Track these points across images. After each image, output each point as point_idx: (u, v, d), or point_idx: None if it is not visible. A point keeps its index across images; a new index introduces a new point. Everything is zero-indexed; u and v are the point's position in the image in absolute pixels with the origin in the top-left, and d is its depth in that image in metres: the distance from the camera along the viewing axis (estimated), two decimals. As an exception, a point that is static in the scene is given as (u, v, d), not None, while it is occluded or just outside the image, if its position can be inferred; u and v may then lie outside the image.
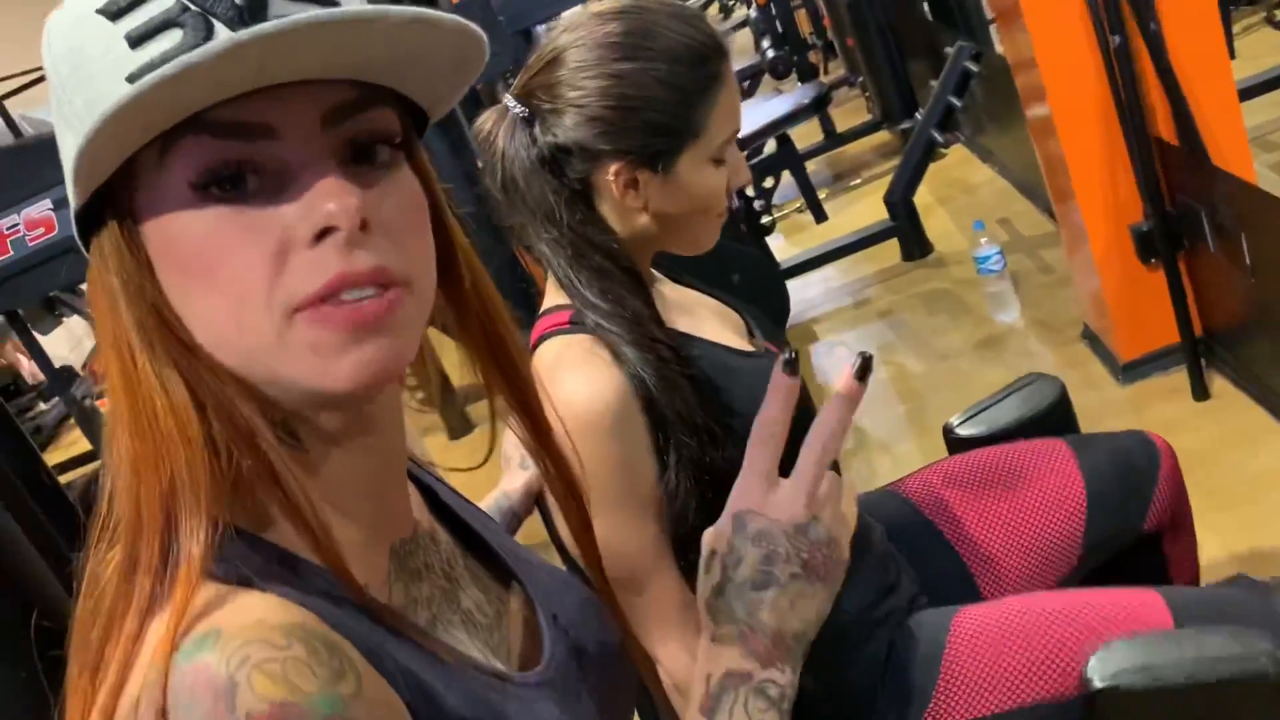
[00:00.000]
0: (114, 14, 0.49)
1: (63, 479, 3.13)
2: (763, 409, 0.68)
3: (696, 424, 0.98)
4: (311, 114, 0.51)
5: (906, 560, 1.24)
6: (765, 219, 3.82)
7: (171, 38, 0.48)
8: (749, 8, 6.53)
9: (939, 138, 3.61)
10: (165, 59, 0.48)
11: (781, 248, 4.34)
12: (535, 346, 1.05)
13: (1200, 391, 2.43)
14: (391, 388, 0.61)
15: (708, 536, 0.67)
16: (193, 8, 0.49)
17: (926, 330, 3.35)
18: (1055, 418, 1.48)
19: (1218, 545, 2.01)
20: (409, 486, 0.68)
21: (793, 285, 3.95)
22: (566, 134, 1.02)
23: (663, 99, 1.01)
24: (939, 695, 1.07)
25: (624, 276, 1.03)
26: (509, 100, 1.06)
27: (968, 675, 1.06)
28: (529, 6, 2.11)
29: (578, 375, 0.98)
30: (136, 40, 0.49)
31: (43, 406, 6.18)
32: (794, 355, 0.68)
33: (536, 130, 1.03)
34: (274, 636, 0.47)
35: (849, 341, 3.53)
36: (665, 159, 1.02)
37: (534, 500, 1.10)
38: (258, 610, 0.49)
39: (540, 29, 2.35)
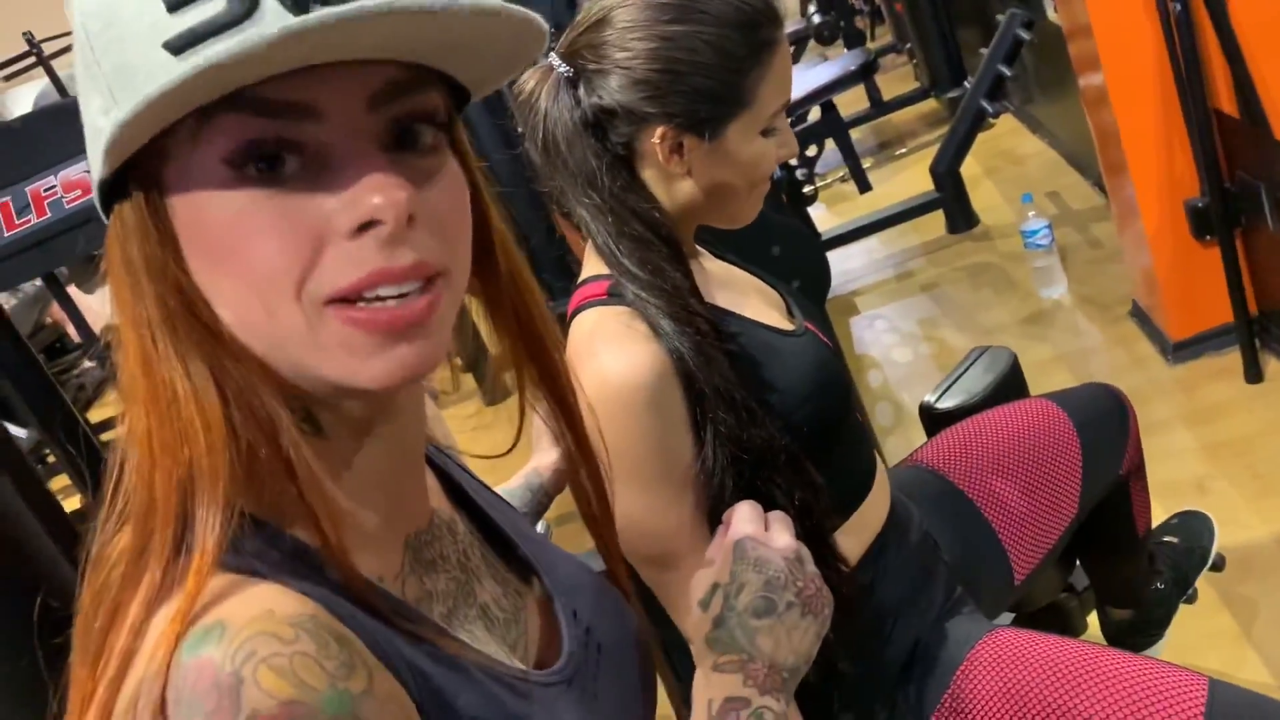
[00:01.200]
0: None
1: (104, 436, 3.18)
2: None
3: (734, 399, 0.96)
4: (358, 95, 0.49)
5: (941, 530, 1.22)
6: (807, 188, 3.75)
7: (214, 6, 0.45)
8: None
9: (988, 107, 3.52)
10: (209, 29, 0.45)
11: (824, 218, 4.28)
12: (572, 316, 1.03)
13: (1254, 374, 2.36)
14: (418, 389, 0.60)
15: (703, 576, 0.70)
16: None
17: (971, 305, 3.29)
18: (1014, 382, 1.59)
19: (1266, 532, 1.96)
20: (428, 474, 0.66)
21: (834, 256, 3.89)
22: (612, 96, 0.98)
23: (712, 64, 0.98)
24: (943, 708, 1.05)
25: (664, 247, 1.00)
26: (554, 59, 1.03)
27: (975, 697, 1.04)
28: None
29: (615, 349, 0.96)
30: (176, 4, 0.45)
31: (88, 364, 6.27)
32: None
33: (581, 91, 1.00)
34: (281, 629, 0.46)
35: (889, 315, 3.47)
36: (712, 126, 0.99)
37: (565, 480, 1.08)
38: (266, 601, 0.47)
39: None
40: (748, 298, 1.10)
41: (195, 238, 0.49)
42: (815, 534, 0.96)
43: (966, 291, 3.38)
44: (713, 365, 0.96)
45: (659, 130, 0.99)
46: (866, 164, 4.51)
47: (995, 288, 3.31)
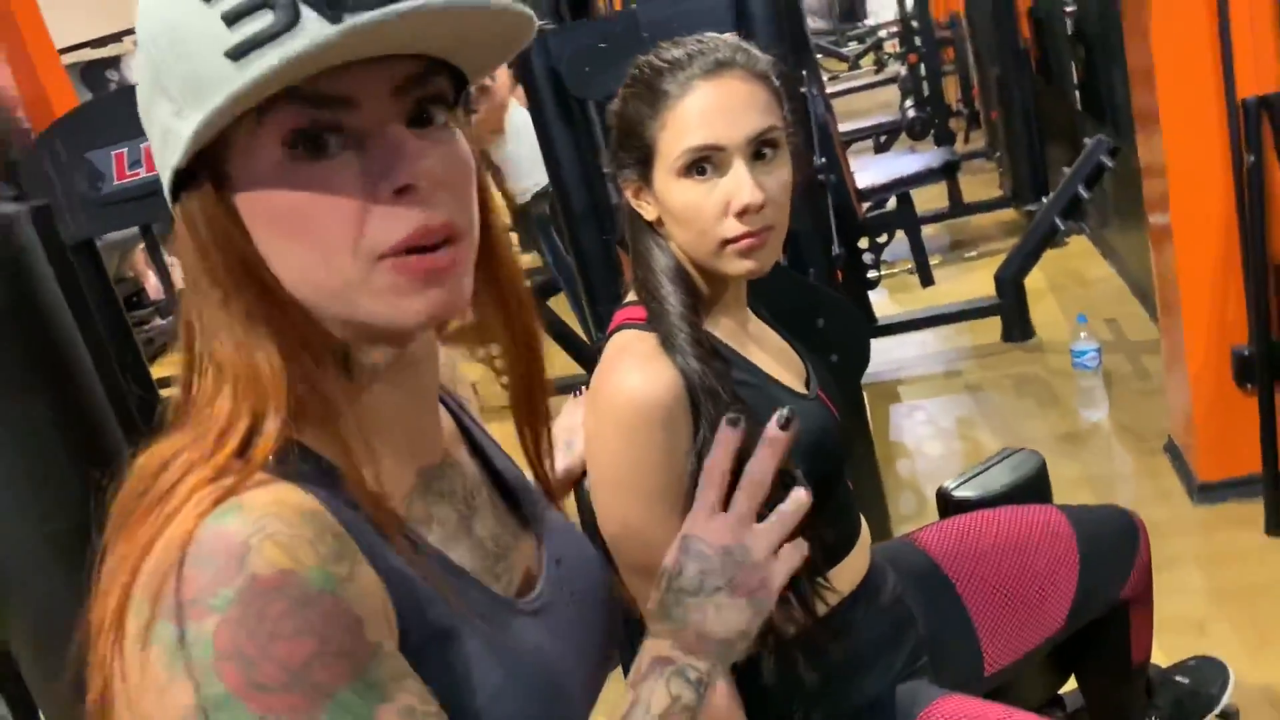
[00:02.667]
0: None
1: (164, 393, 3.33)
2: (711, 455, 0.79)
3: (720, 396, 1.04)
4: (385, 86, 0.59)
5: (918, 604, 1.28)
6: (871, 273, 3.83)
7: (264, 18, 0.55)
8: (903, 65, 6.54)
9: (1061, 225, 3.58)
10: (264, 37, 0.54)
11: (883, 304, 4.34)
12: (611, 333, 1.13)
13: (1275, 525, 2.38)
14: (431, 341, 0.70)
15: (663, 561, 0.78)
16: None
17: (1011, 413, 3.33)
18: (1038, 488, 1.61)
19: (1258, 682, 1.97)
20: (447, 423, 0.76)
21: (886, 343, 3.97)
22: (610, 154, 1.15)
23: (625, 117, 1.11)
24: None
25: (672, 282, 1.11)
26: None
27: None
28: (671, 28, 2.18)
29: (640, 368, 1.05)
30: (232, 19, 0.55)
31: (159, 322, 6.52)
32: (786, 418, 0.79)
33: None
34: (289, 515, 0.55)
35: (930, 408, 3.52)
36: (640, 170, 1.12)
37: (572, 483, 1.17)
38: (280, 494, 0.57)
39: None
40: (770, 355, 1.19)
41: (258, 211, 0.60)
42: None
43: (1009, 399, 3.42)
44: (707, 366, 1.05)
45: (621, 179, 1.14)
46: (935, 260, 4.57)
47: (1038, 400, 3.35)
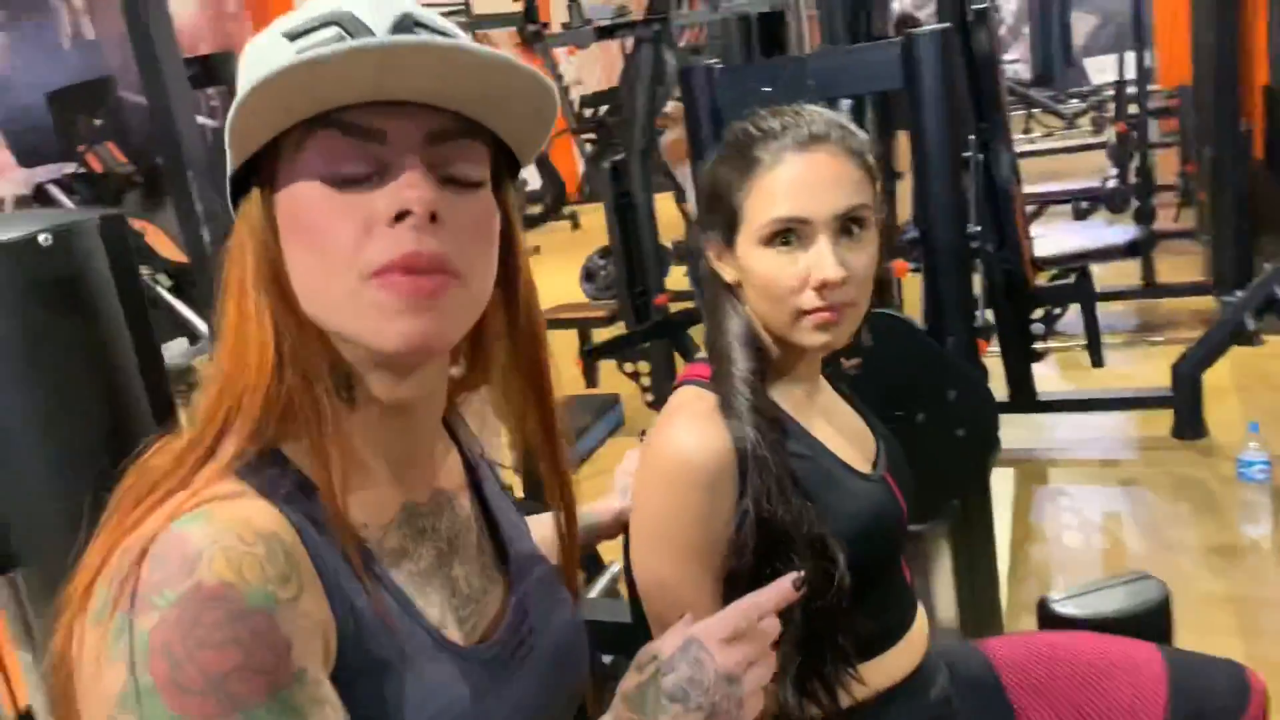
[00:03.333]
0: (292, 36, 0.65)
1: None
2: (762, 594, 0.80)
3: (770, 469, 1.04)
4: (417, 131, 0.65)
5: (968, 709, 1.22)
6: (1038, 344, 3.67)
7: (322, 44, 0.63)
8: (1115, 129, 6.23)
9: (1250, 323, 3.34)
10: (320, 41, 0.64)
11: (1048, 378, 4.15)
12: (678, 386, 1.14)
13: None
14: (435, 386, 0.73)
15: (653, 646, 0.77)
16: (347, 38, 0.64)
17: (1163, 515, 3.13)
18: (1153, 622, 1.45)
19: None
20: (454, 464, 0.80)
21: (1045, 419, 3.79)
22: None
23: (715, 181, 1.12)
24: None
25: (739, 344, 1.11)
26: None
27: None
28: (839, 80, 2.18)
29: (693, 427, 1.06)
30: (293, 38, 0.65)
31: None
32: (801, 580, 0.83)
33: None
34: (246, 534, 0.60)
35: (1076, 496, 3.34)
36: (723, 233, 1.13)
37: (620, 527, 1.18)
38: (249, 511, 0.61)
39: (845, 104, 2.41)
40: (836, 431, 1.17)
41: (288, 221, 0.66)
42: (822, 621, 1.03)
43: (1165, 500, 3.21)
44: (763, 437, 1.05)
45: (704, 243, 1.15)
46: (1116, 340, 4.35)
47: (1196, 506, 3.13)
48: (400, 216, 0.63)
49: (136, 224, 5.43)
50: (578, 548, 0.88)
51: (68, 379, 0.85)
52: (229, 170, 0.68)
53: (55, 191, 5.45)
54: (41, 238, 0.82)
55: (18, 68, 6.02)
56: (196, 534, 0.59)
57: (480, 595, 0.78)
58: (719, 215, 1.12)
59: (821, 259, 1.06)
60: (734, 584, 1.04)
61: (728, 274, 1.14)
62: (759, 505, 1.03)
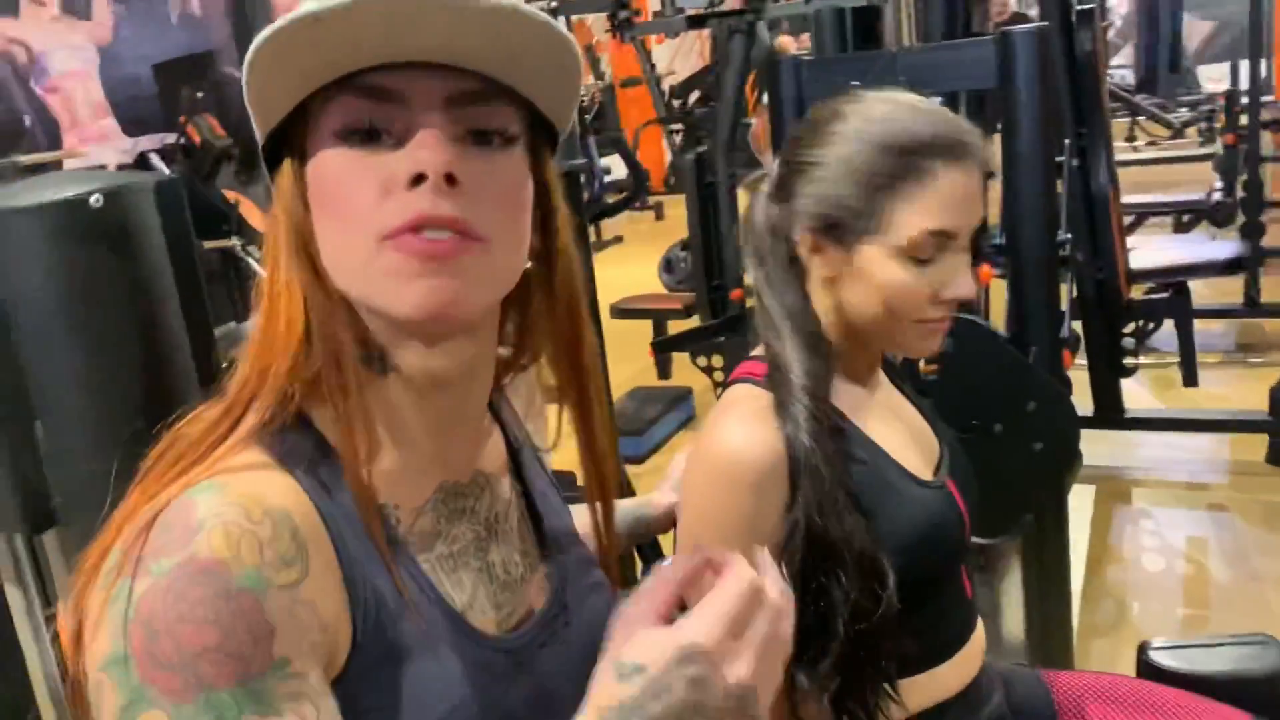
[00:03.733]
0: None
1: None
2: (749, 568, 0.63)
3: (824, 481, 1.00)
4: (437, 92, 0.62)
5: None
6: (1128, 359, 3.54)
7: None
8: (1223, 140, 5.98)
9: (1359, 349, 3.16)
10: None
11: (1137, 394, 4.00)
12: (730, 384, 1.11)
13: None
14: (476, 363, 0.70)
15: (642, 647, 0.59)
16: None
17: (1253, 543, 2.99)
18: (1262, 691, 1.31)
19: None
20: (496, 446, 0.78)
21: (1132, 436, 3.66)
22: (777, 194, 1.08)
23: (840, 174, 1.02)
24: None
25: (808, 339, 1.06)
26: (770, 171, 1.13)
27: None
28: (930, 76, 2.11)
29: (744, 426, 1.02)
30: None
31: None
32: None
33: (773, 190, 1.10)
34: (254, 510, 0.58)
35: (1161, 519, 3.22)
36: (841, 234, 1.04)
37: (672, 522, 1.16)
38: (264, 486, 0.60)
39: (935, 101, 2.33)
40: (896, 435, 1.12)
41: (315, 189, 0.65)
42: (864, 642, 0.99)
43: (1256, 529, 3.07)
44: (818, 446, 1.00)
45: (800, 234, 1.06)
46: (1213, 359, 4.18)
47: (1288, 537, 2.99)
48: (417, 180, 0.61)
49: (231, 196, 5.56)
50: (617, 540, 0.85)
51: (113, 340, 0.85)
52: (259, 141, 0.67)
53: (156, 160, 5.60)
54: (93, 199, 0.82)
55: (127, 40, 6.20)
56: (203, 504, 0.58)
57: (518, 582, 0.76)
58: (836, 206, 1.03)
59: (959, 275, 1.04)
60: None
61: (823, 269, 1.07)
62: (810, 519, 0.99)
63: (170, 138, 5.97)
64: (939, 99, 2.41)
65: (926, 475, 1.12)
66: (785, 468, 1.00)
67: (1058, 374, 2.26)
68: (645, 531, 1.16)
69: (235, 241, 5.31)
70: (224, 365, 0.70)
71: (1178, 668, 1.35)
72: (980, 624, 1.19)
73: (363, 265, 0.63)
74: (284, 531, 0.59)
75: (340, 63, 0.61)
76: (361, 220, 0.62)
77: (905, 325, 1.06)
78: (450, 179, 0.61)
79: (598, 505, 0.82)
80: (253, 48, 0.59)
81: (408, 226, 0.61)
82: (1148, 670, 1.35)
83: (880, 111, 1.03)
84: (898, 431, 1.14)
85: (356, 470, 0.63)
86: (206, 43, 6.37)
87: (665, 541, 1.27)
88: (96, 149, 5.91)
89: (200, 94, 5.94)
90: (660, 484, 1.20)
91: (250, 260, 5.30)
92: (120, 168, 6.02)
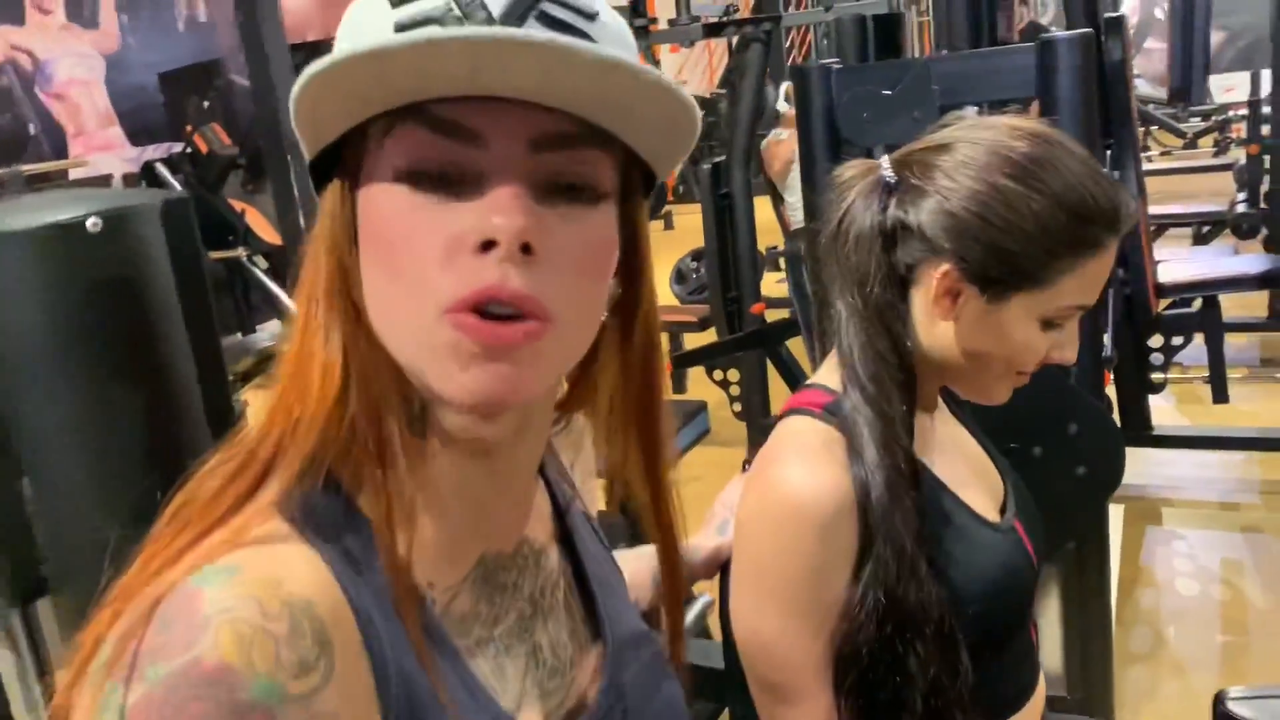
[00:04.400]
0: (396, 2, 0.53)
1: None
2: None
3: (904, 547, 0.91)
4: (521, 133, 0.53)
5: None
6: (1157, 375, 3.45)
7: (429, 31, 0.50)
8: (1245, 152, 5.90)
9: (1398, 366, 3.08)
10: (423, 19, 0.52)
11: (1166, 411, 3.92)
12: (784, 415, 1.02)
13: None
14: (533, 425, 0.62)
15: None
16: (454, 10, 0.52)
17: (1289, 566, 2.90)
18: None
19: None
20: (542, 506, 0.68)
21: (1161, 454, 3.57)
22: (918, 215, 0.97)
23: (1027, 232, 0.93)
24: None
25: (900, 374, 0.97)
26: (884, 161, 1.03)
27: None
28: (967, 85, 2.04)
29: (806, 464, 0.94)
30: (401, 25, 0.52)
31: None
32: None
33: (893, 199, 0.99)
34: (271, 603, 0.49)
35: (1193, 540, 3.13)
36: (997, 289, 0.95)
37: (716, 568, 1.07)
38: (286, 570, 0.51)
39: (970, 110, 2.25)
40: (962, 473, 1.04)
41: (365, 227, 0.56)
42: (938, 716, 0.90)
43: (1291, 550, 2.98)
44: (897, 506, 0.91)
45: (944, 267, 0.96)
46: (1239, 374, 4.09)
47: (1326, 560, 2.90)
48: (487, 246, 0.52)
49: (238, 205, 5.49)
50: (684, 613, 0.75)
51: (112, 384, 0.75)
52: (306, 158, 0.58)
53: (162, 170, 5.54)
54: (90, 222, 0.72)
55: (133, 47, 6.15)
56: (211, 596, 0.49)
57: (568, 666, 0.67)
58: (1006, 262, 0.94)
59: (1072, 342, 0.99)
60: (846, 667, 0.92)
61: (945, 312, 0.98)
62: (887, 586, 0.90)
63: (177, 147, 5.92)
64: (974, 109, 2.35)
65: (994, 516, 1.03)
66: (854, 512, 0.92)
67: (1099, 395, 2.17)
68: (689, 578, 1.08)
69: (242, 252, 5.25)
70: (232, 380, 0.60)
71: (1253, 718, 1.26)
72: (1042, 674, 1.10)
73: (416, 334, 0.54)
74: (303, 627, 0.50)
75: (410, 92, 0.52)
76: (419, 283, 0.53)
77: (1007, 377, 1.01)
78: (526, 248, 0.52)
79: (665, 573, 0.72)
80: (301, 81, 0.51)
81: (472, 302, 0.52)
82: (1222, 717, 1.26)
83: (1071, 169, 0.94)
84: (962, 467, 1.05)
85: (394, 550, 0.55)
86: (213, 50, 6.31)
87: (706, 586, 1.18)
88: (102, 158, 5.85)
89: (207, 103, 5.89)
90: (704, 526, 1.11)
91: (257, 271, 5.24)
92: (126, 177, 5.96)
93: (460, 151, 0.53)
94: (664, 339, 4.10)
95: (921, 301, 0.99)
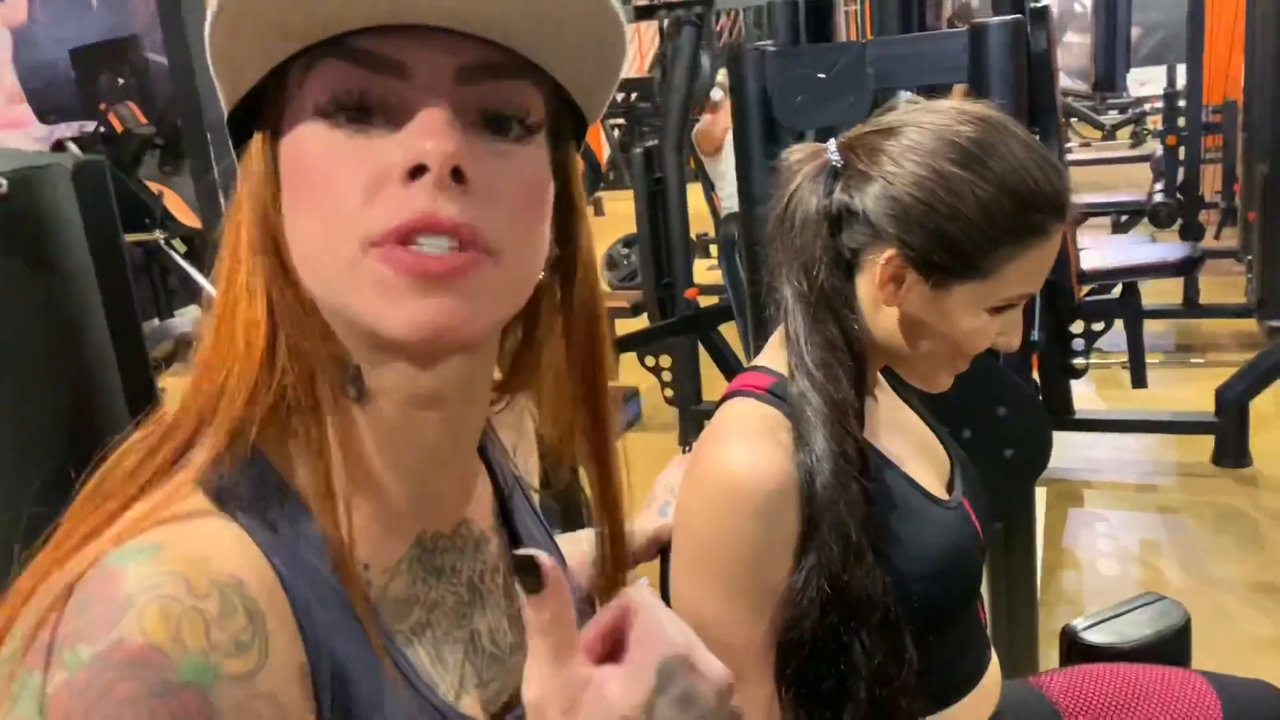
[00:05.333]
0: None
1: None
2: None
3: (849, 534, 0.90)
4: (447, 63, 0.50)
5: None
6: (1079, 360, 3.53)
7: None
8: (1160, 144, 6.06)
9: (1306, 351, 3.19)
10: None
11: (1087, 396, 4.01)
12: (727, 397, 1.01)
13: None
14: (473, 385, 0.59)
15: (620, 677, 0.51)
16: None
17: (1204, 546, 2.98)
18: (1178, 646, 1.40)
19: None
20: (484, 488, 0.66)
21: (1082, 438, 3.65)
22: (863, 200, 0.96)
23: (970, 218, 0.93)
24: None
25: (849, 359, 0.96)
26: (830, 145, 1.01)
27: None
28: (899, 69, 2.04)
29: (748, 446, 0.93)
30: None
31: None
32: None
33: (839, 184, 0.98)
34: (199, 580, 0.46)
35: (1114, 521, 3.20)
36: (941, 275, 0.95)
37: (657, 550, 1.05)
38: (214, 547, 0.48)
39: (905, 95, 2.27)
40: (909, 450, 1.04)
41: (288, 175, 0.53)
42: (884, 708, 0.90)
43: (1206, 531, 3.07)
44: (843, 491, 0.90)
45: (888, 253, 0.95)
46: (1155, 359, 4.20)
47: (1239, 540, 2.99)
48: (416, 173, 0.49)
49: (155, 187, 5.33)
50: (625, 583, 0.73)
51: (22, 357, 0.69)
52: (224, 110, 0.54)
53: (73, 149, 5.35)
54: None
55: (42, 21, 5.92)
56: (133, 574, 0.45)
57: (508, 653, 0.64)
58: (949, 249, 0.93)
59: (1014, 329, 0.99)
60: (789, 656, 0.92)
61: (891, 299, 0.97)
62: (830, 573, 0.89)
63: (89, 125, 5.72)
64: (906, 93, 2.36)
65: (941, 494, 1.03)
66: (796, 494, 0.91)
67: (1026, 379, 2.21)
68: (632, 560, 1.06)
69: (159, 235, 5.09)
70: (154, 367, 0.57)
71: (1103, 642, 1.39)
72: (994, 654, 1.11)
73: (342, 270, 0.51)
74: (235, 605, 0.47)
75: (330, 20, 0.49)
76: (344, 216, 0.50)
77: (951, 363, 1.01)
78: (458, 174, 0.50)
79: (608, 545, 0.70)
80: (214, 8, 0.47)
81: (402, 231, 0.49)
82: (1078, 652, 1.37)
83: (1016, 155, 0.94)
84: (909, 445, 1.05)
85: (335, 519, 0.51)
86: (129, 26, 6.10)
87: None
88: (9, 135, 5.62)
89: (122, 80, 5.69)
90: (644, 508, 1.09)
91: (175, 255, 5.08)
92: (35, 156, 5.74)
93: (382, 83, 0.50)
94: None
95: (867, 287, 0.98)
